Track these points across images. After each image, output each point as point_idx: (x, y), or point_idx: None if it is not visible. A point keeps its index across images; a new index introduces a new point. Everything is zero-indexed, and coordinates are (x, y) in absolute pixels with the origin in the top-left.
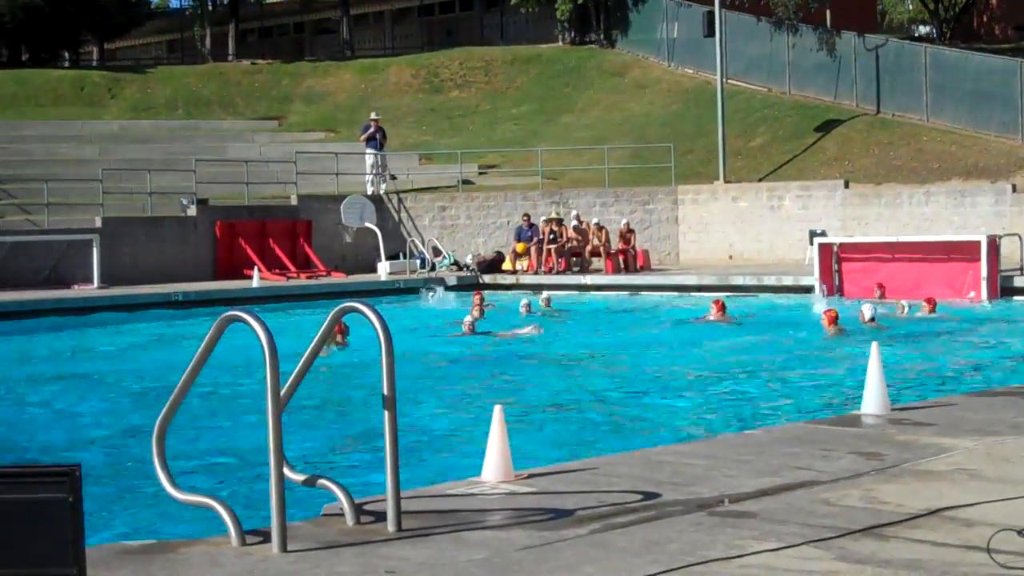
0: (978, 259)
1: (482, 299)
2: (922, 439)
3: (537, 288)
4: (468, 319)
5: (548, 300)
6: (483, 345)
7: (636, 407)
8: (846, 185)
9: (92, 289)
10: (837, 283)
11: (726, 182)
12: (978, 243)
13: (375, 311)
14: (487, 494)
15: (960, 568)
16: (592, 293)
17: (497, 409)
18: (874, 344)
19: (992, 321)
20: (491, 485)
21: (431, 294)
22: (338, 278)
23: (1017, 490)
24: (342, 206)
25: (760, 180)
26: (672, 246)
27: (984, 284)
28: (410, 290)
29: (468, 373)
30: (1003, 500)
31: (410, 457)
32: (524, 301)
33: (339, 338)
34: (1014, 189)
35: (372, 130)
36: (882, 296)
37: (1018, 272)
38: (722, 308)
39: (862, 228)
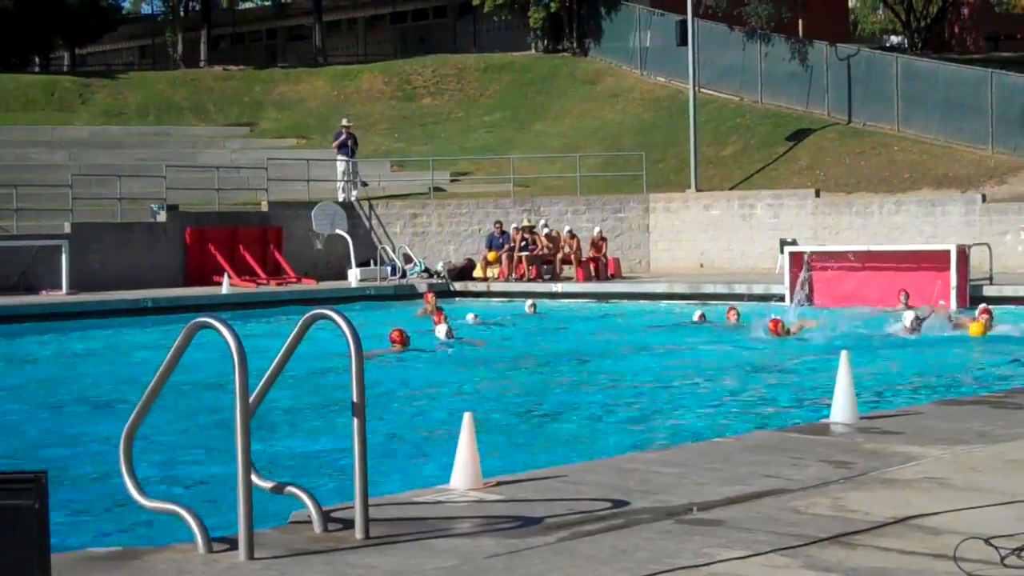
0: (948, 268)
1: (435, 297)
2: (890, 447)
3: (507, 296)
4: (443, 328)
5: (534, 307)
6: (455, 352)
7: (606, 415)
8: (817, 194)
9: (61, 295)
10: (807, 292)
11: (698, 190)
12: (948, 252)
13: (345, 318)
14: (455, 501)
15: None
16: (563, 301)
17: (467, 416)
18: (843, 353)
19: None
20: (460, 492)
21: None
22: (308, 285)
23: (985, 498)
24: (313, 213)
25: (732, 189)
26: (643, 254)
27: (954, 293)
28: (381, 297)
29: (439, 380)
30: (971, 508)
31: (379, 464)
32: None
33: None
34: (984, 199)
35: (344, 137)
36: (907, 303)
37: (987, 281)
38: (781, 328)
39: (833, 237)
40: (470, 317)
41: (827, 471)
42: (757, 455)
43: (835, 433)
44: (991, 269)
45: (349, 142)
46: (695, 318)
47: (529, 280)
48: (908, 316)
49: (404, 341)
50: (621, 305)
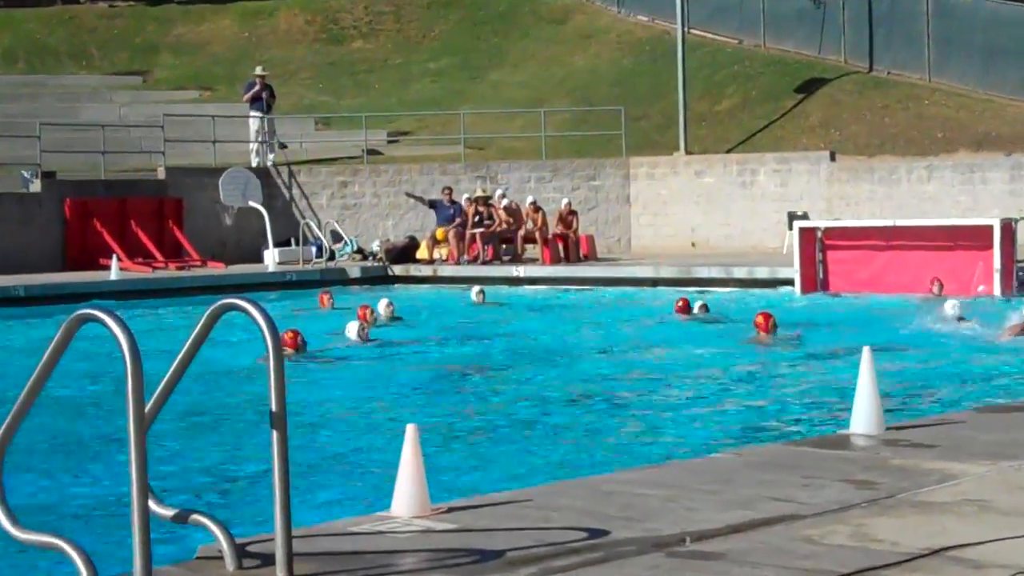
0: (990, 247)
1: (330, 298)
2: (923, 464)
3: (458, 281)
4: (354, 327)
5: (482, 294)
6: (394, 353)
7: (579, 425)
8: (832, 157)
9: None
10: (821, 276)
11: (688, 153)
12: (990, 228)
13: (261, 309)
14: (398, 532)
15: None
16: (526, 287)
17: (410, 429)
18: (865, 350)
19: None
20: (403, 521)
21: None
22: (215, 269)
23: None
24: (220, 181)
25: (729, 151)
26: (623, 231)
27: (997, 277)
28: (304, 284)
29: (377, 385)
30: (1019, 537)
31: (305, 487)
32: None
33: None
34: None
35: (257, 88)
36: (940, 292)
37: None
38: (772, 326)
39: (851, 210)
40: (382, 306)
41: (847, 492)
42: (763, 473)
43: (856, 446)
44: None
45: (264, 95)
46: (695, 309)
47: (484, 262)
48: (951, 305)
49: (298, 346)
50: (596, 293)
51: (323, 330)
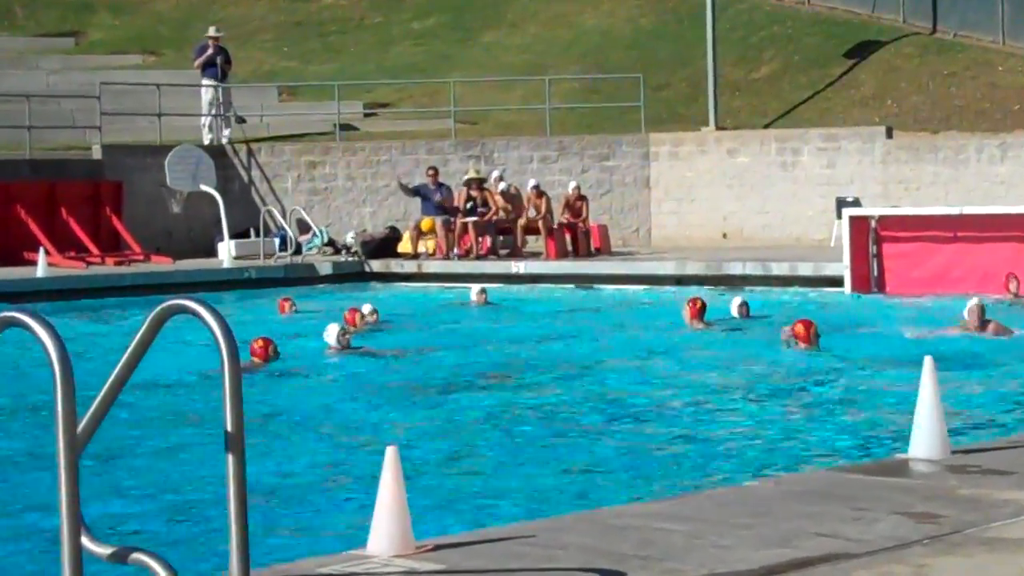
0: None
1: (292, 303)
2: (995, 494)
3: (447, 279)
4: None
5: (483, 294)
6: (377, 363)
7: (590, 448)
8: (889, 134)
9: None
10: (876, 273)
11: (718, 129)
12: None
13: (214, 312)
14: (375, 574)
15: None
16: (527, 286)
17: (390, 452)
18: (927, 360)
19: None
20: (381, 561)
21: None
22: (161, 264)
23: None
24: (167, 161)
25: (767, 126)
26: (641, 220)
27: None
28: (265, 282)
29: (357, 401)
30: None
31: (267, 519)
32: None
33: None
34: None
35: (210, 52)
36: (1018, 291)
37: None
38: (815, 335)
39: (911, 195)
40: (366, 309)
41: (905, 527)
42: (805, 505)
43: (916, 473)
44: None
45: (218, 60)
46: (733, 312)
47: (478, 257)
48: None
49: (267, 356)
50: (609, 292)
51: (292, 336)
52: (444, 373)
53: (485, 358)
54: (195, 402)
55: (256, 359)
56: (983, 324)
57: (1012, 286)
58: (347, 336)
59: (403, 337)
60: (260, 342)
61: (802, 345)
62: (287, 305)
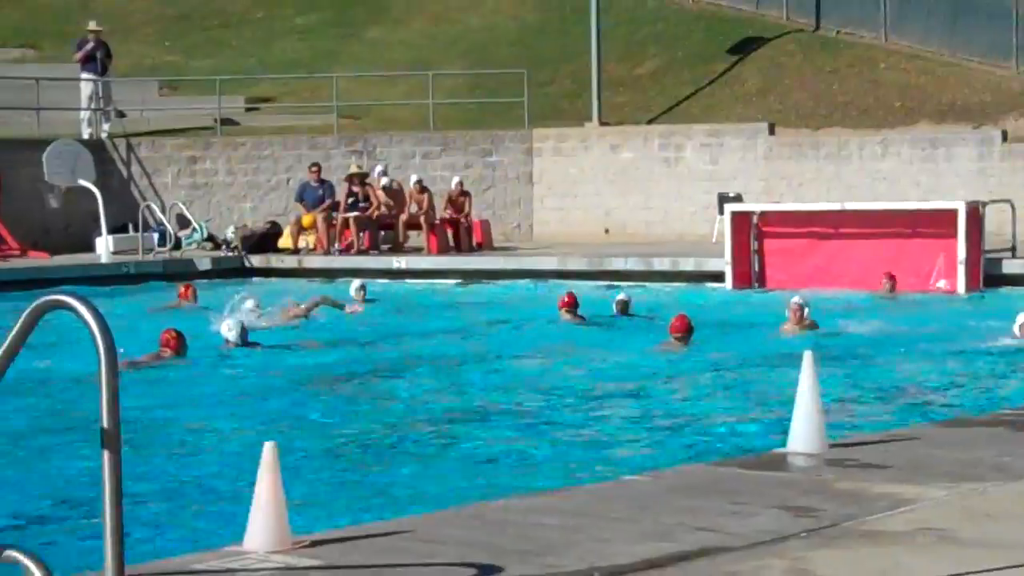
0: (953, 235)
1: (194, 292)
2: (873, 487)
3: (327, 275)
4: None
5: (363, 289)
6: (255, 359)
7: (466, 442)
8: (771, 130)
9: None
10: (756, 269)
11: (602, 124)
12: (954, 212)
13: (91, 307)
14: (252, 569)
15: None
16: (408, 281)
17: (268, 448)
18: (807, 354)
19: (971, 321)
20: (258, 557)
21: None
22: (38, 259)
23: (1004, 558)
24: (44, 156)
25: (650, 122)
26: (524, 215)
27: (961, 270)
28: (144, 277)
29: (241, 396)
30: (984, 572)
31: (143, 516)
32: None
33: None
34: (1005, 137)
35: (91, 47)
36: (893, 288)
37: (1008, 254)
38: (807, 321)
39: (794, 191)
40: (249, 304)
41: (784, 521)
42: (685, 499)
43: (794, 467)
44: (1014, 236)
45: (98, 53)
46: (613, 308)
47: (360, 252)
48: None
49: (179, 348)
50: (491, 288)
51: (192, 329)
52: (326, 369)
53: (363, 354)
54: (75, 400)
55: (167, 350)
56: (801, 323)
57: (886, 284)
58: (244, 335)
59: (287, 334)
60: (172, 332)
61: (678, 340)
62: (189, 292)
